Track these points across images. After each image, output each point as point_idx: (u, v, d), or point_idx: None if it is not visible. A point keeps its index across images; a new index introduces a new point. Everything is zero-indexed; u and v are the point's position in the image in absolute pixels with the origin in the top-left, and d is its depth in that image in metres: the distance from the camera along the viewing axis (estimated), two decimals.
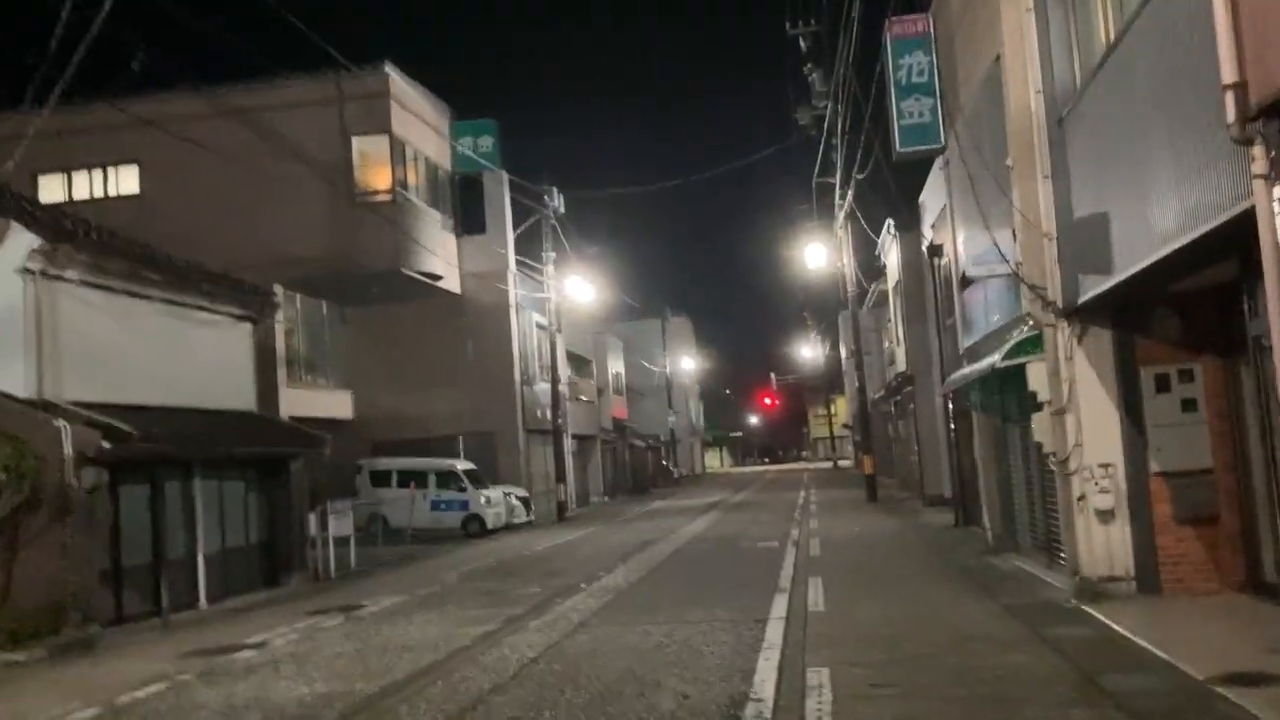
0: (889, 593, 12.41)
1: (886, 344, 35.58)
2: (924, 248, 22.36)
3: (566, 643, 10.28)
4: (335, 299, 31.79)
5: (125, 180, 29.48)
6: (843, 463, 73.01)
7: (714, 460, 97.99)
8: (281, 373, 28.33)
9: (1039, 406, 11.37)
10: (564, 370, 37.88)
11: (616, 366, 53.42)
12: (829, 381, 75.53)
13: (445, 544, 24.56)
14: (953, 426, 21.32)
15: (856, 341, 31.94)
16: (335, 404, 31.95)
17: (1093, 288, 9.92)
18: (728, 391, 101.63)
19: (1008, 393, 15.01)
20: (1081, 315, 10.80)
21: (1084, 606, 10.30)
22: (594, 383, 45.94)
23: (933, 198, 22.29)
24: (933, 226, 21.87)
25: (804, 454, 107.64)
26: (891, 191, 21.97)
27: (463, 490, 27.09)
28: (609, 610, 12.30)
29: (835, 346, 66.01)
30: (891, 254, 29.24)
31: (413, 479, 24.92)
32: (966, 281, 14.53)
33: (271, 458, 18.16)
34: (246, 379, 18.70)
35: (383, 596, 15.23)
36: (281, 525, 18.43)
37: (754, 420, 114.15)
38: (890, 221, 27.48)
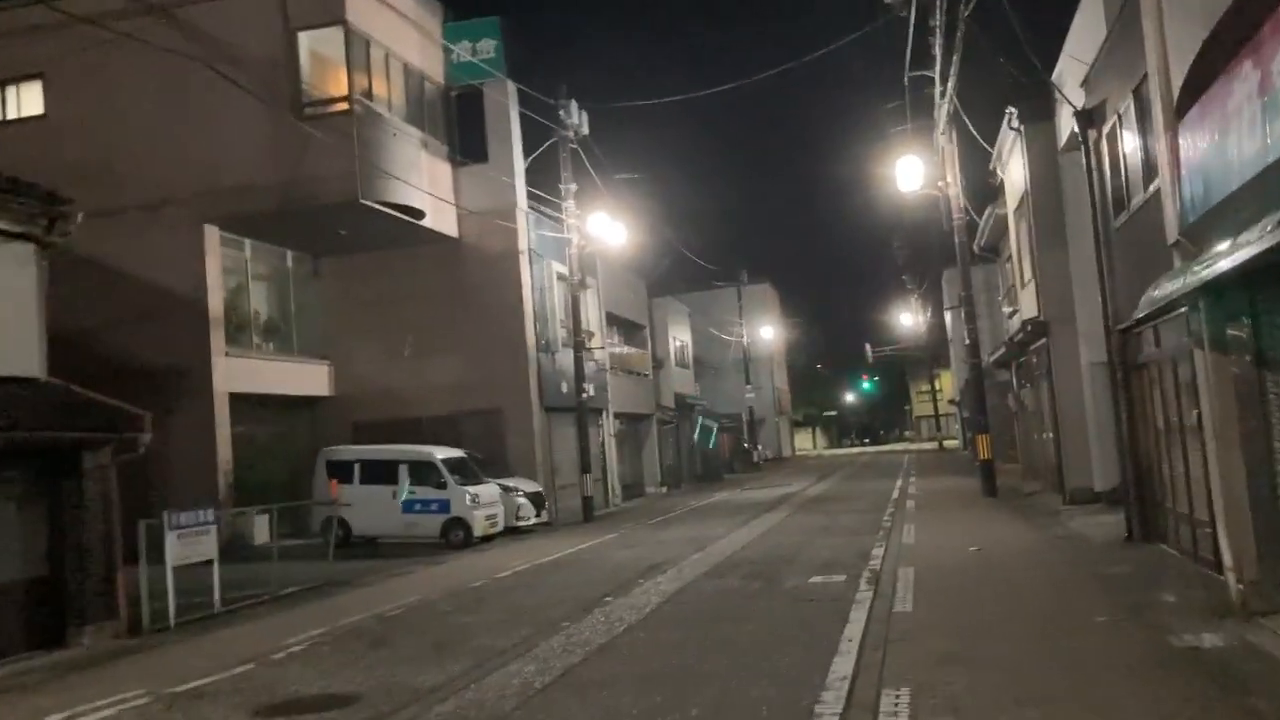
0: None
1: (1006, 307, 27.80)
2: (1073, 122, 14.78)
3: None
4: (300, 246, 25.43)
5: (27, 99, 23.51)
6: (949, 443, 65.12)
7: (805, 441, 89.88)
8: (217, 338, 22.15)
9: None
10: (600, 333, 30.93)
11: (681, 336, 46.21)
12: (932, 354, 67.34)
13: (408, 559, 17.99)
14: (1122, 388, 13.81)
15: (966, 285, 24.19)
16: (307, 378, 25.65)
17: None
18: (819, 366, 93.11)
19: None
20: None
21: None
22: (648, 353, 38.83)
23: (1086, 35, 14.71)
24: (1085, 84, 14.31)
25: (907, 434, 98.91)
26: (1020, 41, 14.50)
27: (442, 486, 20.37)
28: None
29: (938, 313, 57.78)
30: (1014, 161, 21.50)
31: (349, 470, 18.23)
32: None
33: (43, 449, 11.63)
34: (25, 329, 12.22)
35: (120, 692, 8.55)
36: (71, 553, 11.93)
37: (850, 398, 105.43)
38: (1011, 111, 19.68)
